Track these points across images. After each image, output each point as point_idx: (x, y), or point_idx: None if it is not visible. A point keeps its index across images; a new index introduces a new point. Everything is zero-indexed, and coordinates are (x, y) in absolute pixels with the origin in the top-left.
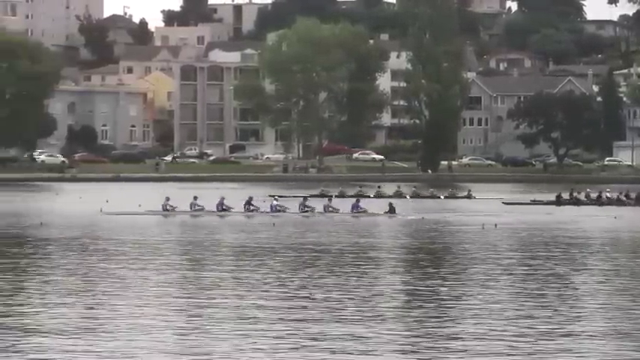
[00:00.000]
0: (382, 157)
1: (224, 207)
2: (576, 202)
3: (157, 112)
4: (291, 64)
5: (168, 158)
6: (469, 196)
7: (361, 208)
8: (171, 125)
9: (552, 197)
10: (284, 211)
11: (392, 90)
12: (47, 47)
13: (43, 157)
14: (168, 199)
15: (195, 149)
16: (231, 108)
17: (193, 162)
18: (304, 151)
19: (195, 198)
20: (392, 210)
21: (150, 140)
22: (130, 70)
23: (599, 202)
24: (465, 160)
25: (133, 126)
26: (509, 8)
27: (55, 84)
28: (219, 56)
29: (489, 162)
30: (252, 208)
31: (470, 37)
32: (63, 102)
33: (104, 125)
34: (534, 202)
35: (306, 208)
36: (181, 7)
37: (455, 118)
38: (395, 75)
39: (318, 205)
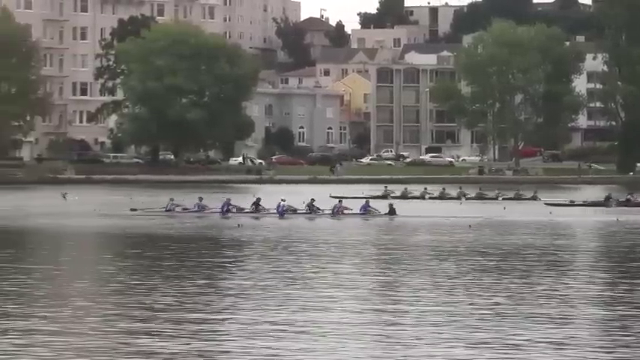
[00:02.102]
0: None
1: (229, 208)
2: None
3: (353, 114)
4: (487, 66)
5: (365, 160)
6: (534, 198)
7: (370, 209)
8: (368, 127)
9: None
10: (294, 212)
11: (588, 92)
12: (245, 50)
13: (240, 159)
14: (172, 199)
15: (391, 151)
16: (427, 110)
17: (390, 164)
18: (500, 153)
19: (201, 199)
20: (392, 212)
21: (346, 142)
22: (326, 73)
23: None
24: None
25: (330, 128)
26: None
27: (253, 86)
28: (415, 58)
29: None
30: (259, 208)
31: None
32: (260, 104)
33: (301, 127)
34: (583, 204)
35: (313, 209)
36: (378, 9)
37: None
38: (591, 77)
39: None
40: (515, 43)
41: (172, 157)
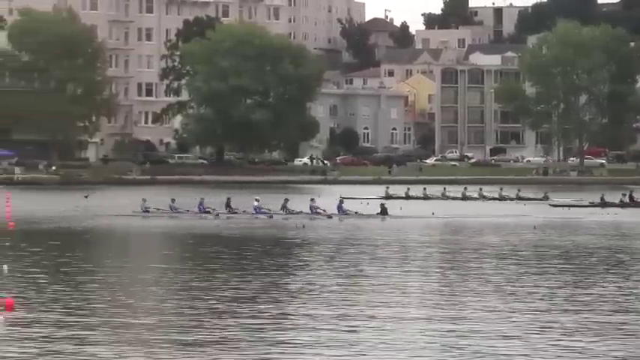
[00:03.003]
0: None
1: (204, 209)
2: (622, 204)
3: (417, 114)
4: (552, 66)
5: (430, 161)
6: (546, 198)
7: (345, 210)
8: (432, 128)
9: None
10: (268, 213)
11: None
12: (310, 50)
13: (305, 159)
14: (144, 200)
15: (455, 152)
16: (492, 110)
17: (454, 165)
18: (565, 153)
19: (173, 200)
20: (384, 211)
21: (411, 143)
22: (391, 73)
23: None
24: None
25: (394, 129)
26: None
27: (318, 87)
28: (479, 59)
29: None
30: (233, 209)
31: None
32: (325, 105)
33: (365, 128)
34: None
35: (287, 210)
36: (442, 10)
37: None
38: None
39: (304, 206)
40: (580, 43)
41: (237, 157)
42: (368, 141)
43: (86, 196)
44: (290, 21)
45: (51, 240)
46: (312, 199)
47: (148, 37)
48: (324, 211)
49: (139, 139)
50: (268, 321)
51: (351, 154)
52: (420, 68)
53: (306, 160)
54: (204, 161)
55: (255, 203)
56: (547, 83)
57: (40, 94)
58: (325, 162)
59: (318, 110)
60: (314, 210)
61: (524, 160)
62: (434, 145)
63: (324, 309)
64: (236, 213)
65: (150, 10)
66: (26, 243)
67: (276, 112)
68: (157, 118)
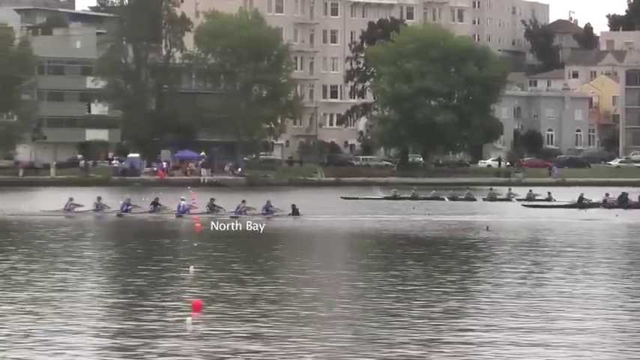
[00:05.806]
0: None
1: (128, 208)
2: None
3: (602, 116)
4: None
5: (614, 163)
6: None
7: (272, 208)
8: (617, 129)
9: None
10: (189, 212)
11: None
12: (494, 52)
13: (489, 161)
14: (71, 199)
15: (639, 154)
16: None
17: (639, 166)
18: None
19: (99, 198)
20: (295, 212)
21: (595, 145)
22: (575, 75)
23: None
24: None
25: (579, 130)
26: None
27: (502, 89)
28: None
29: None
30: (158, 207)
31: None
32: (509, 107)
33: (549, 130)
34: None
35: (214, 209)
36: (627, 11)
37: None
38: None
39: (231, 206)
40: None
41: (421, 159)
42: (552, 143)
43: None
44: (474, 23)
45: (231, 240)
46: (243, 201)
47: (333, 40)
48: (254, 209)
49: (323, 140)
50: (443, 324)
51: (535, 155)
52: (605, 70)
53: (490, 162)
54: (389, 163)
55: (182, 203)
56: None
57: (227, 97)
58: (514, 164)
59: (502, 112)
60: (239, 210)
61: None
62: (618, 146)
63: (505, 313)
64: (159, 211)
65: (335, 13)
66: (212, 243)
67: (460, 114)
68: (342, 120)
